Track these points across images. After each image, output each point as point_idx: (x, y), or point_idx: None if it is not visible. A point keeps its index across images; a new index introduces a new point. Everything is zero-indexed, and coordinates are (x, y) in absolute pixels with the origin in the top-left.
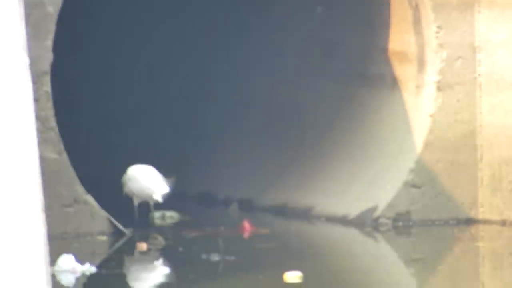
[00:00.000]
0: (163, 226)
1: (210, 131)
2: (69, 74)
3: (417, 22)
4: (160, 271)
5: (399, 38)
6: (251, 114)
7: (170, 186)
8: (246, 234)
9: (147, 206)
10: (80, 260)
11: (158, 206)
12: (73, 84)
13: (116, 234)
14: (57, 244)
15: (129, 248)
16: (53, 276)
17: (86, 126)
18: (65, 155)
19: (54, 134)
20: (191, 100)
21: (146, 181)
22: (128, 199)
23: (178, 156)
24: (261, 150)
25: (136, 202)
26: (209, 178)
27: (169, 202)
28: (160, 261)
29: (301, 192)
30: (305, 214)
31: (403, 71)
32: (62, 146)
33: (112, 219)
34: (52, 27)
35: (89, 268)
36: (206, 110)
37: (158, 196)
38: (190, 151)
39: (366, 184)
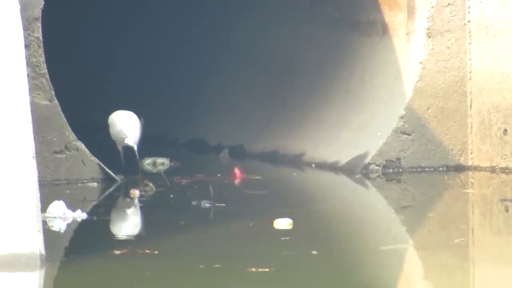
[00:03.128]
0: (154, 172)
1: (201, 78)
2: (60, 20)
3: None
4: (151, 217)
5: None
6: (241, 61)
7: (141, 131)
8: (237, 181)
9: (140, 153)
10: (71, 206)
11: (149, 152)
12: (64, 30)
13: (107, 180)
14: (48, 191)
15: (120, 194)
16: (44, 223)
17: (78, 72)
18: (56, 102)
19: (45, 80)
20: (181, 48)
21: (121, 125)
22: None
23: (169, 104)
24: (252, 97)
25: (119, 146)
26: (200, 125)
27: (160, 148)
28: (151, 207)
29: (291, 138)
30: (295, 161)
31: (393, 18)
32: (53, 93)
33: (103, 166)
34: None
35: (80, 215)
36: (196, 57)
37: (129, 141)
38: (181, 98)
39: (356, 130)
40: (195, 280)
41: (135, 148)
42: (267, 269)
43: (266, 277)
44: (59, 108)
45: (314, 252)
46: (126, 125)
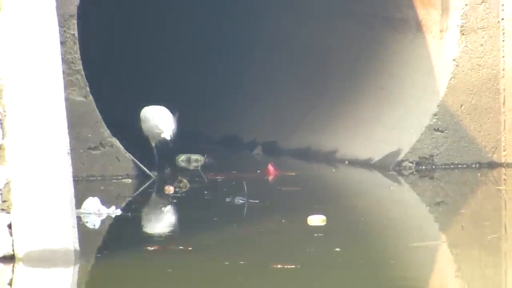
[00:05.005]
0: (188, 169)
1: (235, 75)
2: (97, 19)
3: None
4: (184, 214)
5: None
6: (275, 58)
7: (176, 124)
8: (270, 177)
9: (174, 150)
10: (106, 203)
11: (183, 149)
12: (101, 28)
13: (141, 176)
14: (83, 187)
15: (154, 190)
16: (79, 219)
17: (112, 68)
18: (91, 98)
19: (80, 77)
20: (215, 44)
21: (155, 120)
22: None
23: (204, 101)
24: (286, 94)
25: (152, 142)
26: (234, 122)
27: (194, 145)
28: (185, 204)
29: (324, 135)
30: (329, 158)
31: (427, 15)
32: (88, 89)
33: (137, 162)
34: None
35: (114, 211)
36: (230, 54)
37: (166, 135)
38: (215, 96)
39: (390, 127)
40: (220, 276)
41: (168, 140)
42: (293, 266)
43: (290, 274)
44: (94, 105)
45: (337, 249)
46: (160, 119)
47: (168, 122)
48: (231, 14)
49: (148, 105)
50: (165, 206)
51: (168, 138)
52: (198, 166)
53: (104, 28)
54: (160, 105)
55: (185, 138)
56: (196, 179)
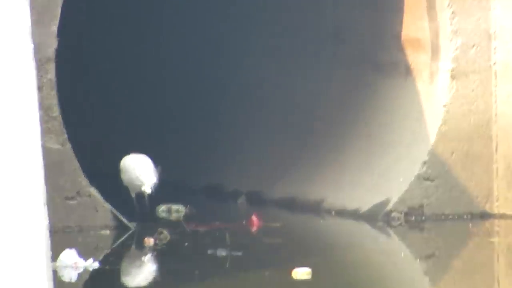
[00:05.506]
0: (169, 219)
1: (218, 121)
2: (74, 61)
3: (431, 7)
4: (165, 266)
5: (413, 24)
6: (259, 103)
7: (157, 177)
8: (254, 228)
9: (153, 199)
10: (83, 255)
11: (163, 199)
12: (78, 71)
13: (120, 228)
14: (59, 238)
15: (134, 242)
16: (55, 272)
17: (90, 115)
18: (68, 146)
19: (57, 123)
20: (199, 90)
21: (136, 171)
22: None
23: (185, 148)
24: (270, 141)
25: (132, 193)
26: (217, 170)
27: (175, 194)
28: (166, 256)
29: (311, 184)
30: (315, 208)
31: (417, 59)
32: (65, 136)
33: (116, 213)
34: (57, 11)
35: (92, 264)
36: (213, 100)
37: (147, 188)
38: (197, 142)
39: (378, 176)
40: None
41: (148, 194)
42: None
43: None
44: (72, 152)
45: None
46: (142, 171)
47: (150, 174)
48: (213, 60)
49: (128, 154)
50: (144, 258)
51: (149, 191)
52: (179, 217)
53: (83, 72)
54: (141, 153)
55: (165, 188)
56: (177, 230)
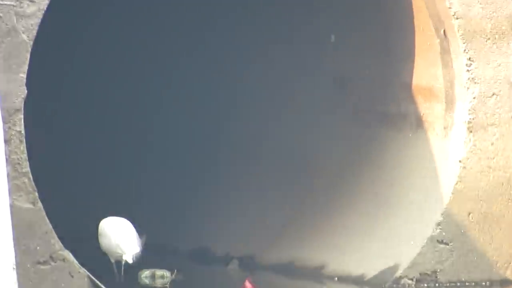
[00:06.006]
0: (153, 287)
1: (208, 179)
2: (45, 111)
3: (445, 52)
4: None
5: (424, 71)
6: (253, 157)
7: (141, 245)
8: None
9: (136, 264)
10: None
11: (146, 263)
12: (49, 122)
13: None
14: None
15: None
16: None
17: (66, 172)
18: (40, 205)
19: (27, 180)
20: (185, 144)
21: (117, 239)
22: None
23: (171, 207)
24: (264, 200)
25: (111, 259)
26: (206, 232)
27: (159, 258)
28: None
29: (310, 248)
30: (315, 274)
31: (429, 110)
32: (36, 195)
33: (94, 279)
34: (26, 57)
35: None
36: (202, 154)
37: (128, 257)
38: (184, 201)
39: (386, 239)
40: None
41: (130, 263)
42: None
43: None
44: (43, 212)
45: None
46: (122, 238)
47: (131, 242)
48: (200, 108)
49: (107, 216)
50: None
51: (130, 261)
52: (164, 284)
53: (55, 123)
54: (122, 215)
55: (148, 251)
56: None
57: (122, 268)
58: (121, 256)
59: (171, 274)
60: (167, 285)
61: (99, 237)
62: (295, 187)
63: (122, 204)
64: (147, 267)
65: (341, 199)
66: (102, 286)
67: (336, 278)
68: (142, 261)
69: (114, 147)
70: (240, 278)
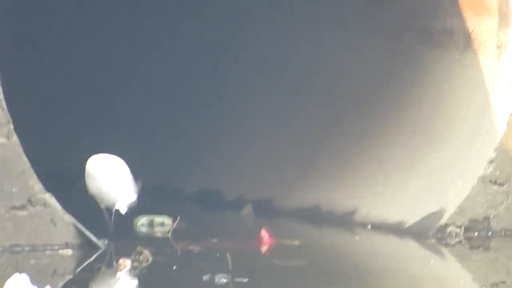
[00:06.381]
0: (151, 235)
1: (216, 112)
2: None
3: None
4: None
5: None
6: (270, 85)
7: (137, 192)
8: (264, 247)
9: (131, 210)
10: (37, 282)
11: (144, 208)
12: (27, 34)
13: (86, 246)
14: (6, 260)
15: (105, 266)
16: None
17: (49, 100)
18: (15, 139)
19: (1, 110)
20: (191, 72)
21: (107, 182)
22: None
23: (172, 144)
24: (284, 135)
25: (101, 205)
26: (213, 172)
27: (159, 202)
28: (147, 284)
29: (338, 190)
30: (345, 220)
31: (479, 26)
32: (11, 127)
33: (80, 226)
34: None
35: None
36: (209, 78)
37: (120, 206)
38: (188, 138)
39: (429, 179)
40: None
41: (122, 213)
42: None
43: None
44: (20, 148)
45: None
46: (115, 183)
47: (126, 189)
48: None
49: (96, 153)
50: (118, 287)
51: (123, 211)
52: (165, 232)
53: (35, 38)
54: (112, 150)
55: (146, 194)
56: (162, 250)
57: (113, 216)
58: (113, 204)
59: (173, 222)
60: (169, 234)
61: (86, 178)
62: (320, 118)
63: (114, 139)
64: (144, 213)
65: (375, 131)
66: (90, 235)
67: (370, 226)
68: (138, 206)
69: (107, 71)
70: (255, 226)
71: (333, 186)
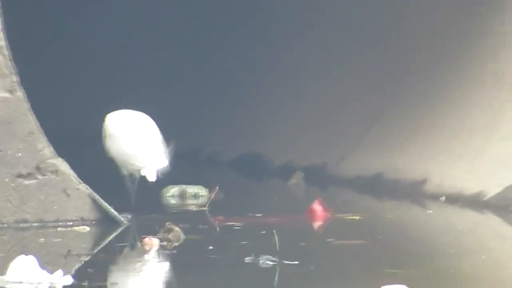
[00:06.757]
0: (183, 209)
1: (258, 62)
2: None
3: None
4: (177, 284)
5: None
6: (322, 35)
7: (168, 157)
8: (317, 223)
9: (160, 179)
10: (47, 265)
11: (175, 177)
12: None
13: (106, 222)
14: (10, 238)
15: (128, 246)
16: None
17: (60, 50)
18: (21, 94)
19: (2, 58)
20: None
21: (130, 142)
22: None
23: (207, 106)
24: (340, 94)
25: (124, 171)
26: (256, 135)
27: (192, 170)
28: (178, 267)
29: (405, 155)
30: (413, 191)
31: None
32: (16, 79)
33: (99, 199)
34: None
35: (61, 278)
36: (249, 30)
37: (147, 173)
38: (228, 94)
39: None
40: None
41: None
42: None
43: None
44: (27, 105)
45: None
46: (142, 146)
47: (154, 151)
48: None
49: (118, 109)
50: (143, 271)
51: (152, 179)
52: (199, 205)
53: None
54: (140, 109)
55: (178, 159)
56: (199, 226)
57: (137, 185)
58: (138, 170)
59: (209, 192)
60: (205, 207)
61: (105, 139)
62: (382, 74)
63: (140, 95)
64: (175, 183)
65: (447, 88)
66: (110, 209)
67: (443, 198)
68: (169, 174)
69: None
70: (306, 198)
71: (399, 150)
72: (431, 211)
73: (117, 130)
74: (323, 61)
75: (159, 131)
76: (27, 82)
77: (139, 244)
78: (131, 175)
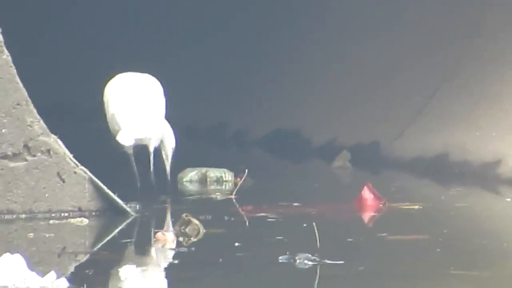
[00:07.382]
0: (203, 197)
1: (292, 28)
2: None
3: None
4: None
5: None
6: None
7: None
8: (367, 214)
9: (173, 161)
10: (36, 264)
11: (194, 158)
12: None
13: (109, 213)
14: None
15: (135, 242)
16: None
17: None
18: (6, 56)
19: None
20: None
21: (136, 114)
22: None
23: (230, 71)
24: (393, 62)
25: (127, 149)
26: (294, 109)
27: (215, 149)
28: (197, 268)
29: (473, 133)
30: (484, 175)
31: None
32: (2, 39)
33: (101, 185)
34: None
35: (54, 282)
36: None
37: (124, 137)
38: (257, 61)
39: None
40: None
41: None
42: None
43: None
44: (13, 69)
45: None
46: (146, 119)
47: (160, 126)
48: None
49: (120, 73)
50: (156, 273)
51: (126, 143)
52: (226, 192)
53: None
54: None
55: (197, 137)
56: (223, 217)
57: (151, 165)
58: (148, 146)
59: (236, 177)
60: (231, 195)
61: (106, 107)
62: (445, 43)
63: (150, 61)
64: (194, 165)
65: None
66: (114, 197)
67: None
68: (186, 154)
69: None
70: (354, 183)
71: (466, 127)
72: (509, 199)
73: (119, 96)
74: (372, 19)
75: (163, 97)
76: (12, 47)
77: (149, 240)
78: (138, 154)
